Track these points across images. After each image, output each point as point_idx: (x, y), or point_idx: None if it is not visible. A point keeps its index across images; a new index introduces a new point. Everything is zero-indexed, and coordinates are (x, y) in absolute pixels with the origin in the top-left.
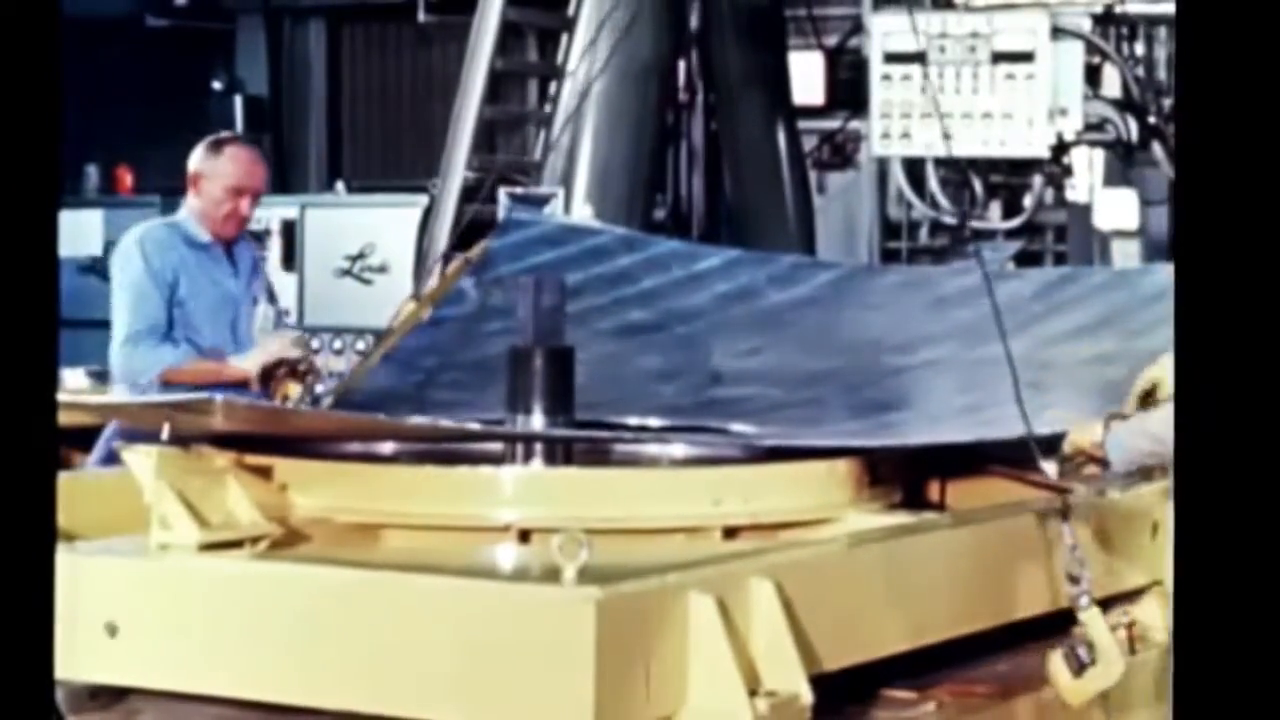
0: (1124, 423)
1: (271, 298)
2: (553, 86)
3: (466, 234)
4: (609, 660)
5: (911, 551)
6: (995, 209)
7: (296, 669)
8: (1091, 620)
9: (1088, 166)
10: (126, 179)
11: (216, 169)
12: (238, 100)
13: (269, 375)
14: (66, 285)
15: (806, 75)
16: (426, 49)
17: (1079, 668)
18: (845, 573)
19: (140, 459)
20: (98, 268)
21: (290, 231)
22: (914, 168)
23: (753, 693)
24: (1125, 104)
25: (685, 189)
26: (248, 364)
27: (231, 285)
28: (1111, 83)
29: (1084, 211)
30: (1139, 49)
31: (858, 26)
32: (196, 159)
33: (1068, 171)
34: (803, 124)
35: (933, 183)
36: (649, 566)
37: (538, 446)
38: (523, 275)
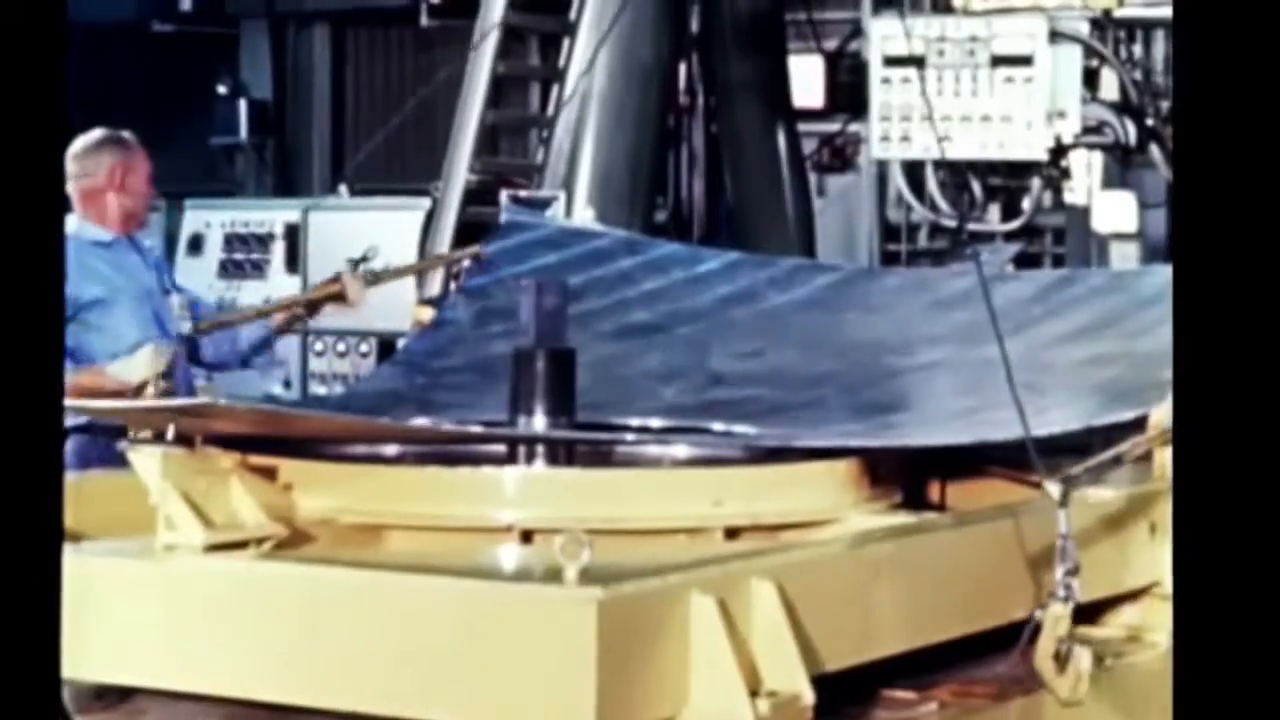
0: None
1: (177, 287)
2: (554, 90)
3: (468, 237)
4: (611, 660)
5: (912, 552)
6: (994, 211)
7: (301, 669)
8: (1053, 616)
9: (1086, 169)
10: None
11: (137, 162)
12: (242, 104)
13: (140, 389)
14: None
15: (806, 78)
16: (429, 53)
17: (1064, 661)
18: (846, 573)
19: (145, 460)
20: None
21: (294, 235)
22: (913, 170)
23: (754, 693)
24: (1123, 107)
25: (686, 192)
26: (128, 376)
27: (146, 277)
28: (1110, 86)
29: (1082, 214)
30: (1137, 52)
31: (857, 30)
32: (108, 161)
33: (1066, 174)
34: (802, 127)
35: (932, 185)
36: (650, 567)
37: (540, 447)
38: (524, 278)
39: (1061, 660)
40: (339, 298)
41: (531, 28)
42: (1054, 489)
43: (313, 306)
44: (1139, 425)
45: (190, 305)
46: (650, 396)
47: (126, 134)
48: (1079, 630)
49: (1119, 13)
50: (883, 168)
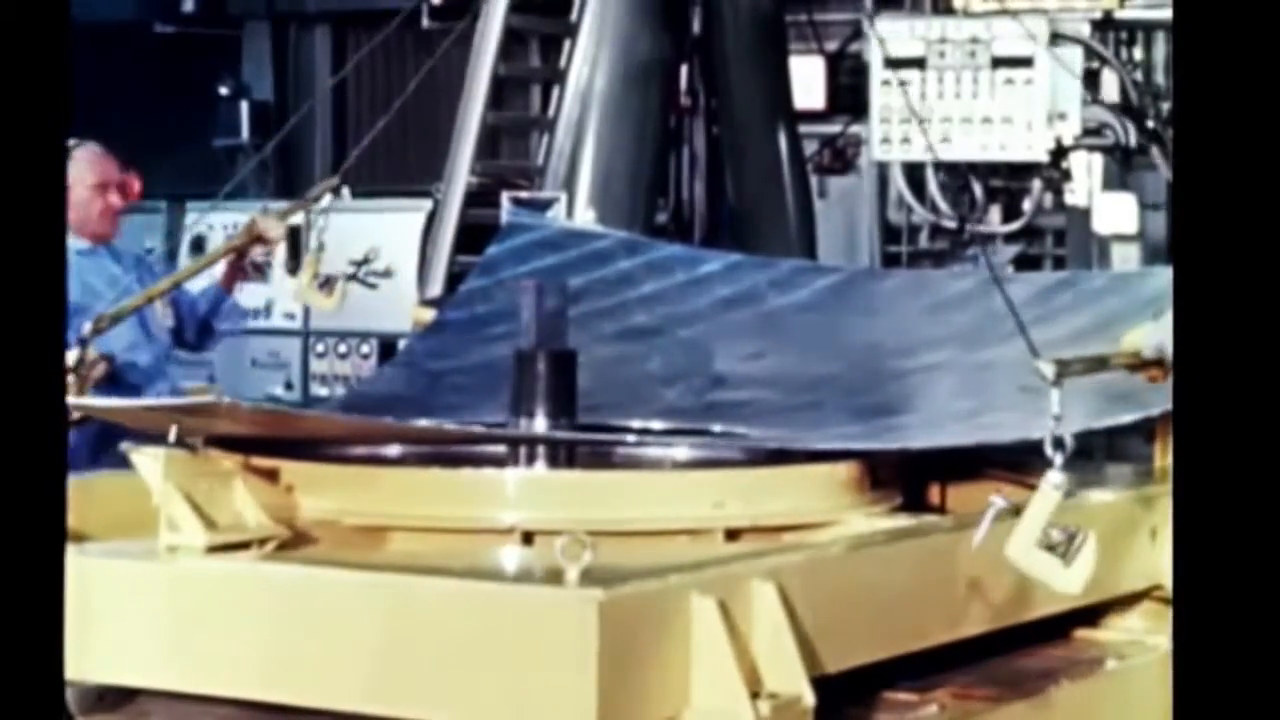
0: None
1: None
2: (555, 91)
3: (470, 239)
4: (612, 662)
5: (912, 554)
6: (995, 213)
7: (303, 670)
8: (1044, 497)
9: (1086, 171)
10: (133, 184)
11: (73, 174)
12: (244, 106)
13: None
14: None
15: (807, 80)
16: (430, 55)
17: (1065, 551)
18: (847, 575)
19: (148, 461)
20: None
21: (295, 236)
22: (914, 172)
23: (755, 694)
24: (1124, 109)
25: (687, 193)
26: None
27: (126, 281)
28: (1110, 88)
29: (1083, 215)
30: (1138, 54)
31: (858, 32)
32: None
33: (1067, 176)
34: (803, 128)
35: (932, 187)
36: (651, 568)
37: (541, 449)
38: (525, 279)
39: (1070, 550)
40: (259, 239)
41: (532, 29)
42: (1047, 368)
43: (238, 254)
44: (1140, 427)
45: (171, 303)
46: (651, 398)
47: (83, 143)
48: (1080, 635)
49: (1120, 14)
50: (883, 169)
